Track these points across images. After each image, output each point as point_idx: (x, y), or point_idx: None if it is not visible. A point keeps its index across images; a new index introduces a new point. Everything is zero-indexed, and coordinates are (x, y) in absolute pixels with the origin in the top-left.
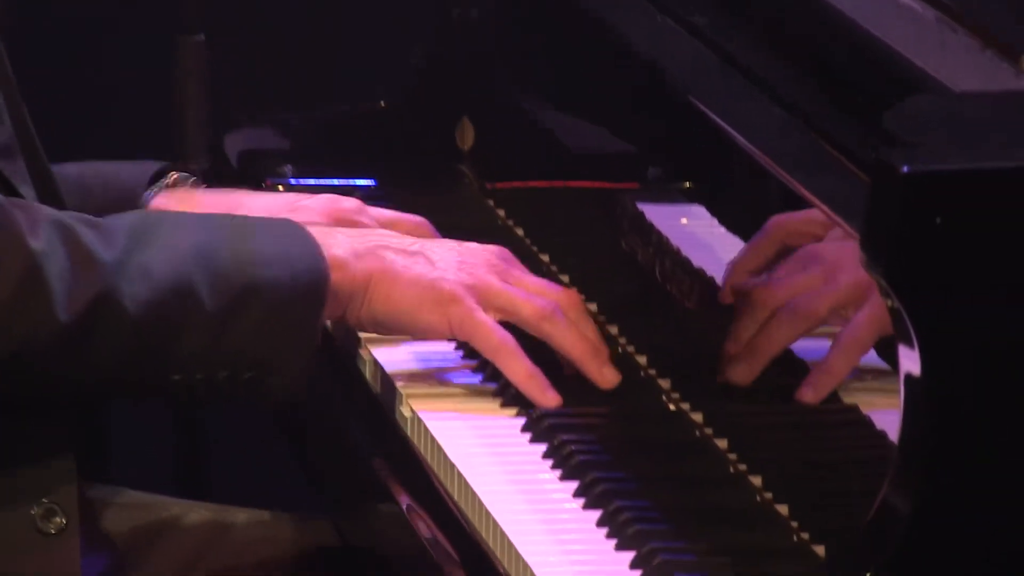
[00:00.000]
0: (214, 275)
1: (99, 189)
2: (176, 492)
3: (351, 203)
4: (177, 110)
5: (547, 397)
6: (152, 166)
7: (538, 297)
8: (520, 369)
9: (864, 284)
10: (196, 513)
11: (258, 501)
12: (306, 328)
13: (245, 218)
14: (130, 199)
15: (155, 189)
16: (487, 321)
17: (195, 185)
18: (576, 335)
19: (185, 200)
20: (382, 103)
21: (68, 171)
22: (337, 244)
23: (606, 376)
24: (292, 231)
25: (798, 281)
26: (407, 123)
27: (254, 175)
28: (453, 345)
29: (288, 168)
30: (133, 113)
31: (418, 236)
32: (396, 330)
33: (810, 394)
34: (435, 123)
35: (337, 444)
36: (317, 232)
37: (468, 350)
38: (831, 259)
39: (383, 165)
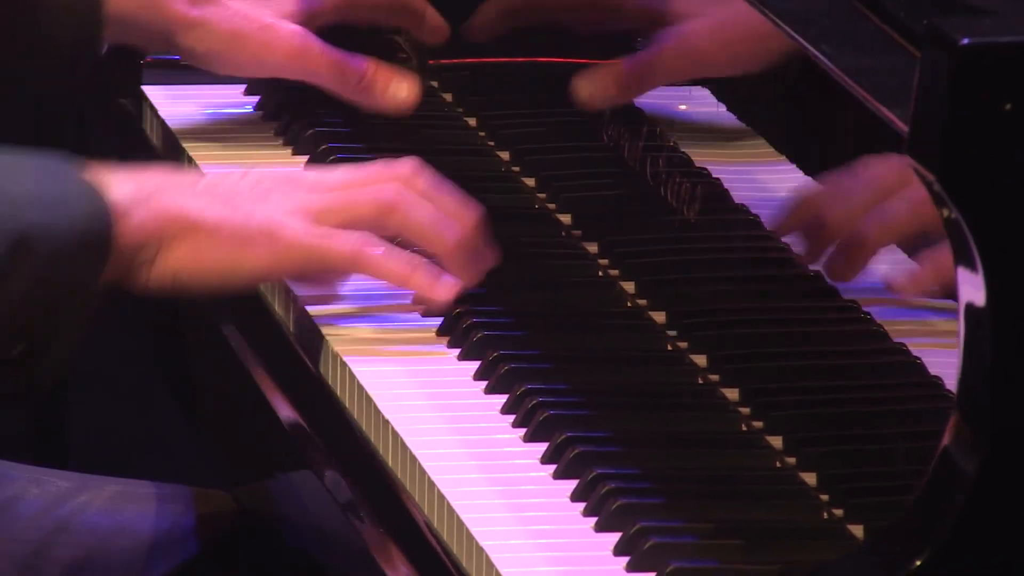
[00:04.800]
0: None
1: None
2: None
3: None
4: None
5: (443, 284)
6: None
7: (372, 187)
8: (394, 266)
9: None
10: (47, 484)
11: (131, 469)
12: (86, 288)
13: (6, 156)
14: None
15: None
16: (322, 234)
17: None
18: (432, 217)
19: None
20: None
21: None
22: (116, 185)
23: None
24: (60, 166)
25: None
26: None
27: None
28: None
29: None
30: None
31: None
32: (207, 287)
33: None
34: None
35: (237, 397)
36: (90, 172)
37: None
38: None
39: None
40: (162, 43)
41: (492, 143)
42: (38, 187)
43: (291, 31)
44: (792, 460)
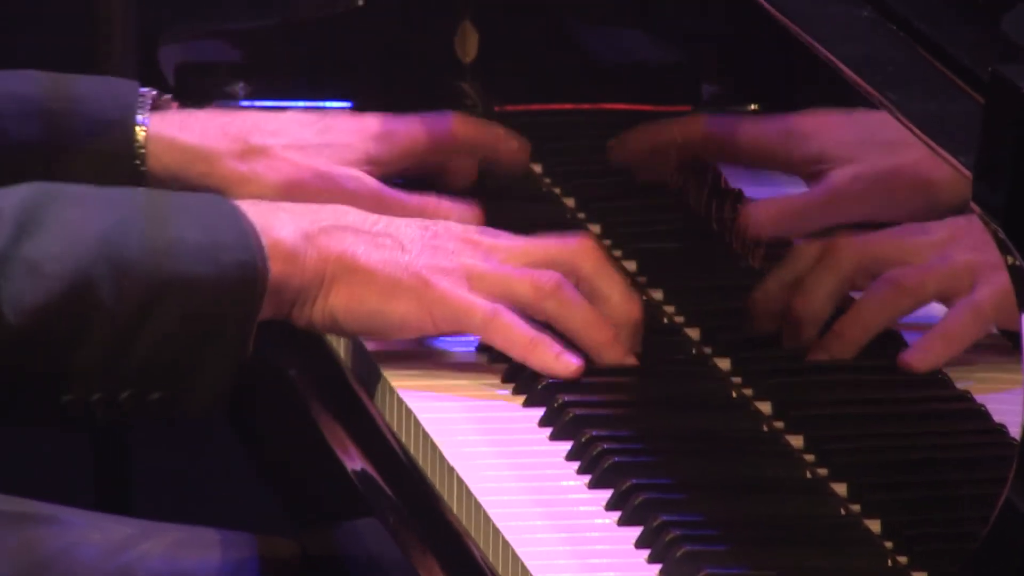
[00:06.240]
0: (119, 270)
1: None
2: (94, 506)
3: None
4: (100, 16)
5: (562, 363)
6: (125, 84)
7: (536, 270)
8: (518, 338)
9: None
10: (109, 530)
11: (194, 515)
12: (234, 336)
13: (161, 195)
14: (111, 123)
15: (141, 112)
16: (467, 297)
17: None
18: (586, 315)
19: (187, 121)
20: (360, 2)
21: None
22: (281, 225)
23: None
24: (220, 211)
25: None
26: (392, 28)
27: (196, 96)
28: None
29: (240, 87)
30: (46, 19)
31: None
32: (361, 331)
33: (918, 359)
34: (428, 28)
35: (302, 442)
36: (256, 211)
37: None
38: (947, 230)
39: (361, 83)
40: None
41: (558, 190)
42: (190, 233)
43: (347, 175)
44: (856, 507)
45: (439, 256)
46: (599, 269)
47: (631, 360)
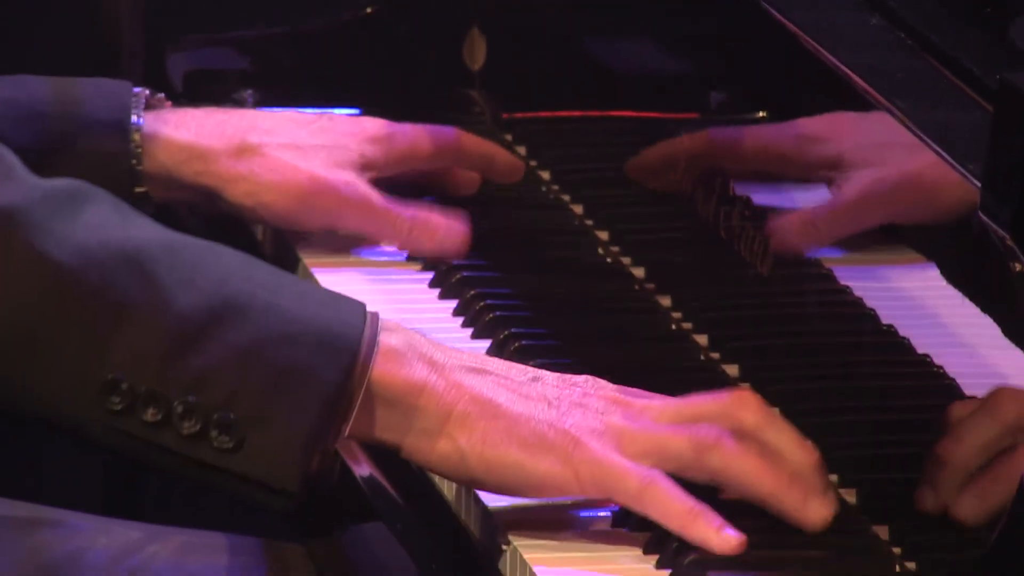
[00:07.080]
0: (192, 266)
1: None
2: (101, 510)
3: (375, 124)
4: (107, 22)
5: (723, 537)
6: (119, 85)
7: (690, 426)
8: (677, 509)
9: None
10: (116, 535)
11: (202, 520)
12: (315, 400)
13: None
14: (106, 123)
15: (136, 113)
16: (621, 462)
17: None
18: (755, 461)
19: (183, 120)
20: (368, 10)
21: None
22: (397, 332)
23: (812, 512)
24: (344, 298)
25: None
26: (400, 36)
27: (206, 103)
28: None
29: (249, 94)
30: (52, 25)
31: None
32: (493, 483)
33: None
34: (436, 35)
35: None
36: (389, 323)
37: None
38: None
39: (369, 90)
40: (208, 198)
41: (566, 197)
42: (297, 282)
43: (341, 180)
44: (865, 516)
45: (588, 416)
46: (763, 420)
47: (818, 506)
